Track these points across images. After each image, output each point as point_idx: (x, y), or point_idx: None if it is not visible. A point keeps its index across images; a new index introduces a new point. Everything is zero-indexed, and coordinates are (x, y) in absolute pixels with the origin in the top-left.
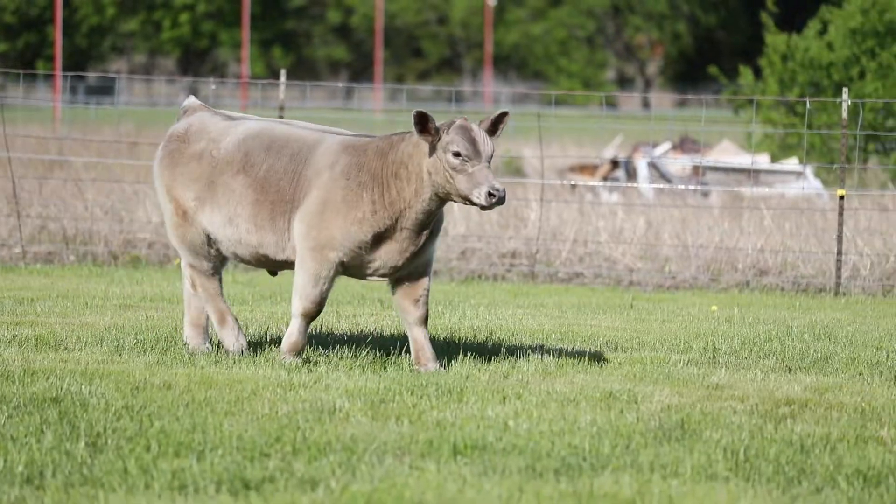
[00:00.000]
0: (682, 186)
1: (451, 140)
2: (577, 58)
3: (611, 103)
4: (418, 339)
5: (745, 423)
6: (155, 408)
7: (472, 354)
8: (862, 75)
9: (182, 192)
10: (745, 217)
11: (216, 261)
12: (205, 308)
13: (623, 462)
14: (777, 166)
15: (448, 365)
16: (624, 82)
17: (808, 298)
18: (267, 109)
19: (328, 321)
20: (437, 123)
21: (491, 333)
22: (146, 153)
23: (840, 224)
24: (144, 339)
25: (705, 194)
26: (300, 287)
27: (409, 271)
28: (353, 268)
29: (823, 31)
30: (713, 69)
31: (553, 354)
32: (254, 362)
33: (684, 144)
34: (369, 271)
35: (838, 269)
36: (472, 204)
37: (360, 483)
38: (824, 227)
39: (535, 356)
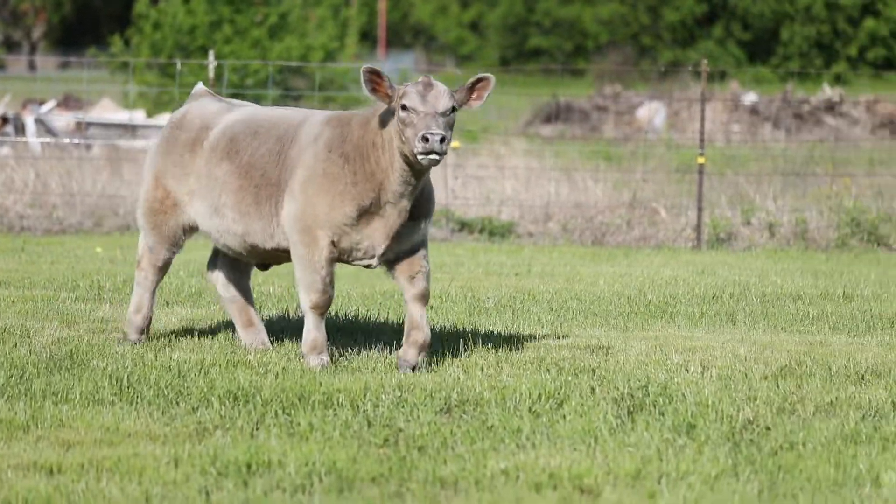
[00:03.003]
0: (68, 140)
1: (404, 93)
2: None
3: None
4: (413, 317)
5: (129, 353)
6: None
7: None
8: (229, 41)
9: (174, 184)
10: (125, 168)
11: (172, 256)
12: (135, 291)
13: (17, 391)
14: (152, 121)
15: None
16: (11, 46)
17: None
18: None
19: None
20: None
21: None
22: None
23: None
24: None
25: (88, 147)
26: (301, 278)
27: (402, 254)
28: (344, 251)
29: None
30: (92, 50)
31: None
32: None
33: (68, 102)
34: (359, 254)
35: None
36: (417, 160)
37: None
38: None
39: None
